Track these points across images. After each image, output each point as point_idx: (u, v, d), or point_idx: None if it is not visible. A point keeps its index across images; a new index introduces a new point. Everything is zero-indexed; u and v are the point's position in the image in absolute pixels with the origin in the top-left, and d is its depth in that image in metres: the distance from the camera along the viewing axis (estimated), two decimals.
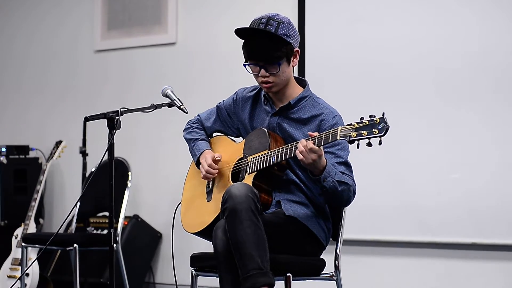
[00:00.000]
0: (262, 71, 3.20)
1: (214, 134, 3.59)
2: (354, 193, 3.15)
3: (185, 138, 3.56)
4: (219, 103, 3.54)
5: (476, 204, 4.72)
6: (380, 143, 2.77)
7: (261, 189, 3.11)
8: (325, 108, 3.26)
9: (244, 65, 3.25)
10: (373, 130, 2.78)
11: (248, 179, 3.17)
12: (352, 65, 5.11)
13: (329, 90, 4.79)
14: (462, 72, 4.78)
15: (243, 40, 3.23)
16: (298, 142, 3.00)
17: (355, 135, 2.81)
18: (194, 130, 3.55)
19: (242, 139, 3.43)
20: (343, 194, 3.09)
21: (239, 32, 3.21)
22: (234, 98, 3.48)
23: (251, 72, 3.26)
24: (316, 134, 2.96)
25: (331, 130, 2.90)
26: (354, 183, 3.15)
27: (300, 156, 2.96)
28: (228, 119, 3.50)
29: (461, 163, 4.78)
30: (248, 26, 3.21)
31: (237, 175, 3.30)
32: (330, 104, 3.30)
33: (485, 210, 4.69)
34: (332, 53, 5.18)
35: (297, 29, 3.27)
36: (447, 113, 4.82)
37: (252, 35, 3.20)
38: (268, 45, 3.16)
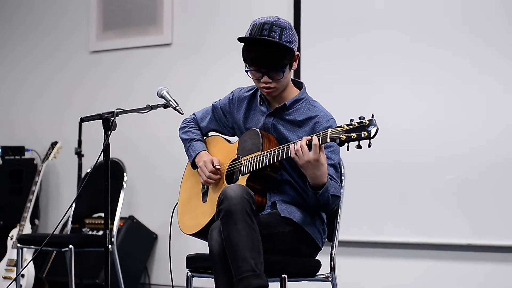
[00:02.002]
0: (265, 77, 3.19)
1: (209, 134, 3.59)
2: (340, 201, 3.17)
3: (181, 138, 3.56)
4: (215, 102, 3.54)
5: (471, 205, 4.72)
6: (369, 146, 2.78)
7: (254, 190, 3.11)
8: (320, 111, 3.27)
9: (246, 71, 3.24)
10: (363, 132, 2.78)
11: (242, 181, 3.18)
12: (347, 68, 5.13)
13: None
14: (461, 62, 4.80)
15: (243, 45, 3.21)
16: (290, 144, 3.01)
17: (344, 138, 2.81)
18: (190, 129, 3.55)
19: (237, 138, 3.43)
20: (332, 206, 3.14)
21: (242, 39, 3.20)
22: (230, 98, 3.48)
23: (252, 78, 3.25)
24: (308, 138, 2.97)
25: (321, 132, 2.91)
26: (341, 189, 3.17)
27: (293, 155, 2.97)
28: (224, 118, 3.50)
29: (456, 164, 4.78)
30: (249, 32, 3.18)
31: (231, 176, 3.31)
32: (325, 108, 3.31)
33: (481, 211, 4.70)
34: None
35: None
36: (442, 114, 4.83)
37: (257, 43, 3.18)
38: (273, 53, 3.14)
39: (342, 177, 3.40)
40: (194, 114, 3.61)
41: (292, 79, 3.34)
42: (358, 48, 5.09)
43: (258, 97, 3.37)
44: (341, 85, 5.11)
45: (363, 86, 5.05)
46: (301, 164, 2.97)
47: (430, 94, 4.86)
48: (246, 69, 3.22)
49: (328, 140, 2.86)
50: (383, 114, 4.61)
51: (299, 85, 3.36)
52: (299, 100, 3.29)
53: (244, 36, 3.20)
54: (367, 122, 2.79)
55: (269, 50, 3.15)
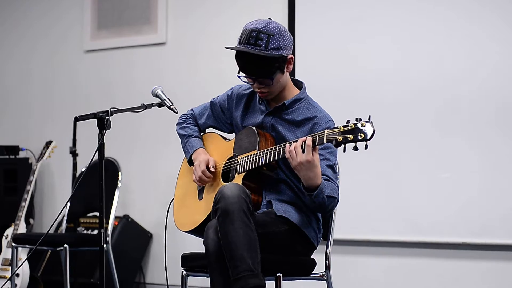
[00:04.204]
0: (256, 83, 3.20)
1: (206, 130, 3.59)
2: (338, 202, 3.17)
3: (178, 133, 3.56)
4: (213, 98, 3.54)
5: (466, 204, 4.73)
6: (366, 147, 2.77)
7: (250, 189, 3.10)
8: (319, 112, 3.26)
9: (238, 76, 3.24)
10: (359, 134, 2.78)
11: (238, 179, 3.18)
12: (342, 68, 5.12)
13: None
14: (456, 78, 4.80)
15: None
16: (286, 144, 3.01)
17: (341, 139, 2.81)
18: (187, 126, 3.55)
19: (234, 135, 3.43)
20: (329, 207, 3.12)
21: (229, 49, 3.20)
22: (229, 94, 3.48)
23: (245, 82, 3.25)
24: (304, 139, 2.97)
25: (317, 133, 2.90)
26: (338, 190, 3.17)
27: (287, 155, 2.98)
28: (222, 115, 3.50)
29: (451, 162, 4.79)
30: (239, 38, 3.17)
31: (227, 174, 3.30)
32: (324, 109, 3.31)
33: (475, 209, 4.70)
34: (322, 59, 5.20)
35: (289, 33, 3.21)
36: (439, 112, 4.83)
37: (242, 52, 3.16)
38: (259, 63, 3.13)
39: (338, 176, 3.40)
40: (192, 109, 3.61)
41: (292, 78, 3.34)
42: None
43: (257, 96, 3.37)
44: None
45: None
46: (294, 166, 2.98)
47: (426, 95, 4.88)
48: (238, 75, 3.23)
49: (325, 141, 2.86)
50: (377, 112, 4.63)
51: (299, 85, 3.35)
52: (298, 100, 3.29)
53: (234, 43, 3.19)
54: (364, 124, 2.78)
55: (255, 60, 3.13)
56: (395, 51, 4.97)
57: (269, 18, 3.21)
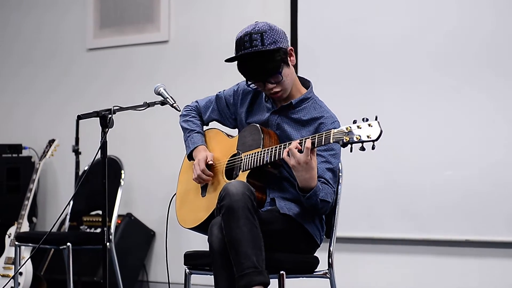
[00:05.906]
0: (267, 85, 3.20)
1: (210, 124, 3.59)
2: (332, 206, 3.17)
3: (181, 126, 3.56)
4: (219, 92, 3.54)
5: (469, 201, 4.72)
6: (373, 148, 2.77)
7: (254, 187, 3.09)
8: (326, 112, 3.26)
9: (248, 85, 3.26)
10: (366, 134, 2.78)
11: (242, 177, 3.18)
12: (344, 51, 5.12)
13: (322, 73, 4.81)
14: (459, 64, 4.79)
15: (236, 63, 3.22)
16: (291, 142, 3.01)
17: (348, 139, 2.80)
18: (191, 119, 3.54)
19: (237, 131, 3.43)
20: (321, 211, 3.14)
21: (229, 60, 3.21)
22: (235, 89, 3.48)
23: (257, 88, 3.26)
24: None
25: (324, 132, 2.90)
26: (335, 195, 3.18)
27: (285, 155, 2.99)
28: (226, 109, 3.50)
29: (454, 160, 4.78)
30: (235, 49, 3.19)
31: (231, 172, 3.30)
32: (330, 109, 3.31)
33: (478, 207, 4.70)
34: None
35: (280, 28, 3.23)
36: (440, 110, 4.83)
37: (243, 59, 3.18)
38: (261, 62, 3.14)
39: (340, 173, 3.39)
40: (197, 101, 3.60)
41: (299, 77, 3.34)
42: None
43: (264, 93, 3.37)
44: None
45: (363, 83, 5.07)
46: (291, 165, 2.98)
47: (428, 92, 4.87)
48: (248, 83, 3.24)
49: (332, 141, 2.85)
50: (384, 108, 4.63)
51: (306, 84, 3.35)
52: (305, 99, 3.29)
53: (232, 56, 3.21)
54: (371, 124, 2.78)
55: (257, 61, 3.15)
56: (401, 38, 4.98)
57: (255, 22, 3.22)
